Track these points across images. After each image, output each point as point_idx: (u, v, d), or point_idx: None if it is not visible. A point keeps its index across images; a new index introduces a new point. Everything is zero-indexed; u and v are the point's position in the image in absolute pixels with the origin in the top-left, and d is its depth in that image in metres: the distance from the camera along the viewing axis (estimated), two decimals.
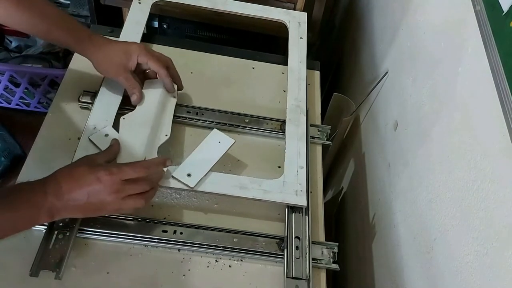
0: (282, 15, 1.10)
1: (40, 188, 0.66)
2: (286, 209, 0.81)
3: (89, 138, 0.81)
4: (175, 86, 0.91)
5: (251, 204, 0.81)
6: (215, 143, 0.84)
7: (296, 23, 1.09)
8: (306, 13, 1.12)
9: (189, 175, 0.79)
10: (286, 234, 0.78)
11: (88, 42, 0.84)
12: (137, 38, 0.98)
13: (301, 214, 0.81)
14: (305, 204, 0.80)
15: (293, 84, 0.97)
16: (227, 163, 0.87)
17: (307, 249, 0.77)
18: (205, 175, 0.80)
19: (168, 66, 0.88)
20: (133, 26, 1.00)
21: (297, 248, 0.76)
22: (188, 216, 0.80)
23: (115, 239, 0.75)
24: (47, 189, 0.66)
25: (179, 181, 0.78)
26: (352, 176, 1.16)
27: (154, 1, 1.06)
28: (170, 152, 0.87)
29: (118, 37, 0.98)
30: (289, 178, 0.83)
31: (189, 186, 0.78)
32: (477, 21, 0.64)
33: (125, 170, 0.70)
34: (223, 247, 0.76)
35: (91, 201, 0.67)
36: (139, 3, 1.05)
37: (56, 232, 0.72)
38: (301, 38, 1.06)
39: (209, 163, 0.81)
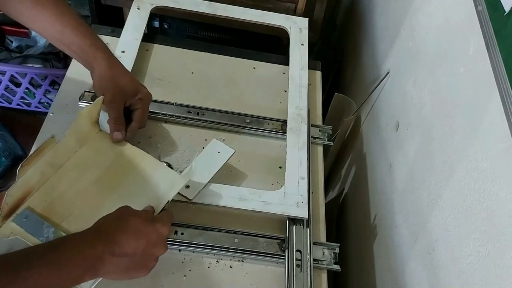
0: (283, 20, 1.09)
1: (91, 242, 0.60)
2: (287, 221, 0.80)
3: None
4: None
5: None
6: (215, 154, 0.83)
7: (297, 29, 1.08)
8: (307, 19, 1.11)
9: (187, 186, 0.78)
10: (287, 249, 0.76)
11: (103, 52, 0.79)
12: (136, 45, 0.97)
13: (302, 226, 0.79)
14: (306, 216, 0.79)
15: (294, 91, 0.97)
16: (228, 164, 0.87)
17: (309, 263, 0.75)
18: (204, 187, 0.79)
19: (140, 127, 0.84)
20: (132, 33, 1.00)
21: (298, 266, 0.75)
22: (189, 216, 0.80)
23: None
24: (95, 241, 0.60)
25: (178, 192, 0.77)
26: (353, 176, 1.16)
27: (153, 7, 1.05)
28: (171, 152, 0.87)
29: (119, 37, 0.98)
30: (290, 189, 0.82)
31: (187, 198, 0.77)
32: (478, 21, 0.64)
33: (168, 223, 0.69)
34: (224, 247, 0.76)
35: (144, 253, 0.63)
36: (138, 8, 1.04)
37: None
38: (302, 44, 1.05)
39: (208, 174, 0.80)
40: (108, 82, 0.79)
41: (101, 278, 0.64)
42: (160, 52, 1.03)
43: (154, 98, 0.92)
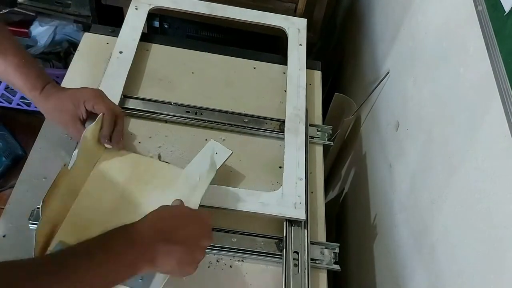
0: (281, 21, 1.09)
1: (139, 230, 0.61)
2: (285, 222, 0.79)
3: None
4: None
5: None
6: (212, 154, 0.84)
7: (295, 30, 1.08)
8: (305, 19, 1.10)
9: None
10: (284, 249, 0.77)
11: (39, 92, 0.79)
12: (134, 45, 0.97)
13: (300, 227, 0.79)
14: (304, 217, 0.79)
15: (292, 91, 0.96)
16: (228, 164, 0.87)
17: (306, 264, 0.75)
18: None
19: (116, 116, 0.81)
20: (130, 33, 0.99)
21: (295, 265, 0.75)
22: None
23: None
24: (146, 230, 0.61)
25: None
26: (353, 176, 1.16)
27: (151, 7, 1.05)
28: (172, 152, 0.87)
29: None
30: (288, 190, 0.82)
31: None
32: (478, 21, 0.64)
33: (210, 215, 0.69)
34: (221, 247, 0.76)
35: (193, 242, 0.64)
36: (136, 9, 1.04)
37: None
38: (300, 44, 1.05)
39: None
40: (53, 114, 0.80)
41: (167, 278, 0.65)
42: (160, 52, 1.03)
43: (154, 98, 0.92)
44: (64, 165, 0.73)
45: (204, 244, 0.66)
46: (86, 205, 0.75)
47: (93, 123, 0.77)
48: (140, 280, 0.69)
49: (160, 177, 0.80)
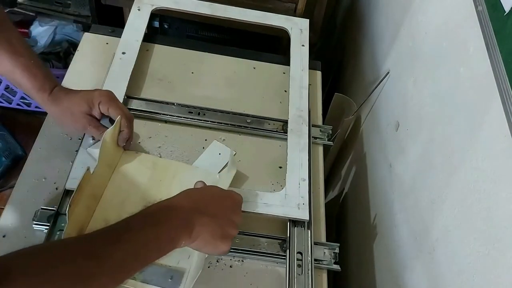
0: (283, 21, 1.09)
1: (176, 205, 0.63)
2: (288, 223, 0.80)
3: (86, 151, 0.80)
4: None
5: None
6: (216, 155, 0.83)
7: (298, 30, 1.08)
8: (308, 20, 1.10)
9: None
10: (288, 251, 0.77)
11: (47, 94, 0.77)
12: (136, 46, 0.97)
13: (303, 228, 0.79)
14: (307, 218, 0.79)
15: (295, 92, 0.96)
16: None
17: (310, 265, 0.75)
18: None
19: (128, 119, 0.81)
20: (132, 34, 0.99)
21: (299, 266, 0.75)
22: None
23: None
24: (183, 204, 0.63)
25: None
26: (353, 176, 1.16)
27: (154, 8, 1.05)
28: (172, 152, 0.87)
29: (119, 37, 0.98)
30: (291, 191, 0.82)
31: None
32: (478, 21, 0.64)
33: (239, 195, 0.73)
34: None
35: (225, 216, 0.66)
36: (138, 9, 1.04)
37: (58, 232, 0.72)
38: (303, 45, 1.05)
39: None
40: (64, 118, 0.79)
41: (198, 275, 0.67)
42: (160, 52, 1.03)
43: (154, 98, 0.92)
44: (88, 169, 0.72)
45: (235, 219, 0.68)
46: (109, 208, 0.76)
47: (112, 126, 0.77)
48: (169, 280, 0.70)
49: (180, 177, 0.80)
